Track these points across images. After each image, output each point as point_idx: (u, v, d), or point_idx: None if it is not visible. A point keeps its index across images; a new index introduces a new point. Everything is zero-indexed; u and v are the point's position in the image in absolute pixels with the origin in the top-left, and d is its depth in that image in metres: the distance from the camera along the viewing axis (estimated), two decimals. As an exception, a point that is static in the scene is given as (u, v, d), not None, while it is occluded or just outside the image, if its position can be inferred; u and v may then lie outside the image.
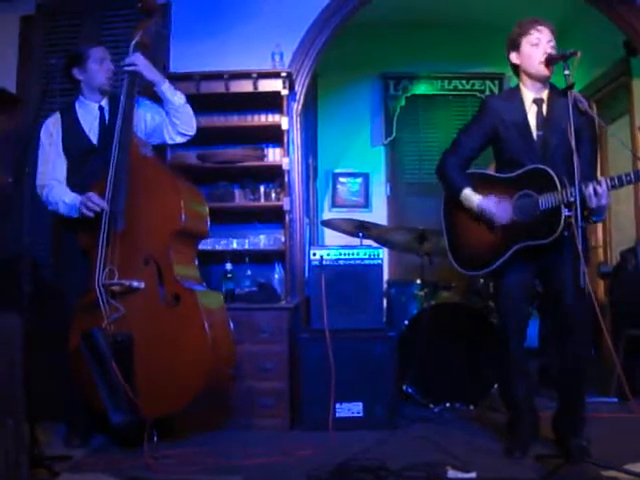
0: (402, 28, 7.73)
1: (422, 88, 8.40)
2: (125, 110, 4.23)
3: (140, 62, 4.28)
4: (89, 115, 4.39)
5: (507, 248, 3.87)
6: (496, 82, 8.30)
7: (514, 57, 3.99)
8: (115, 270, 4.02)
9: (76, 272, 4.23)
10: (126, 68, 4.27)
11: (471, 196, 4.02)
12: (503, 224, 3.90)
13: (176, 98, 4.40)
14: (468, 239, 4.12)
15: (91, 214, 4.06)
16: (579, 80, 3.71)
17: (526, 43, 3.90)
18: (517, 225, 3.86)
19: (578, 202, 3.45)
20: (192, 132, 4.54)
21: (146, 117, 4.47)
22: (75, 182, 4.27)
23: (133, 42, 4.35)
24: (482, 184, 4.03)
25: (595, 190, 3.55)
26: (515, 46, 3.97)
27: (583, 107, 3.75)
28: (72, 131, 4.33)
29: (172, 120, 4.43)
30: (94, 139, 4.35)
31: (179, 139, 4.50)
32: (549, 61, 3.78)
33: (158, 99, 4.46)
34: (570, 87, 3.58)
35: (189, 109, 4.49)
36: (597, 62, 6.65)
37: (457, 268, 4.17)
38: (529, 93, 3.96)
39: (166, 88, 4.38)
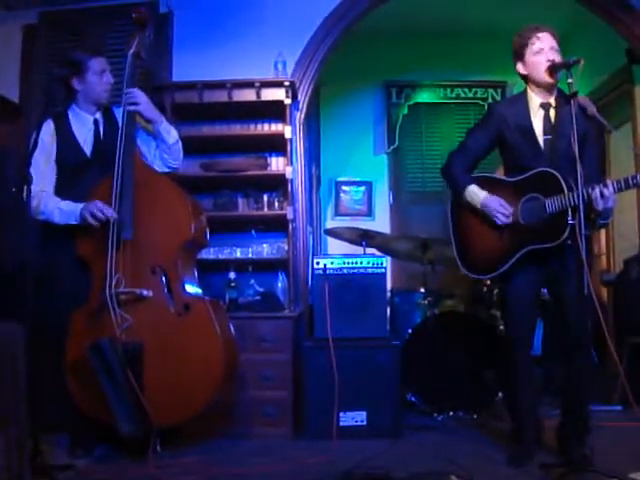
0: (404, 36, 7.73)
1: (425, 96, 8.39)
2: (127, 121, 4.22)
3: (142, 100, 4.27)
4: (83, 127, 4.34)
5: (514, 251, 3.86)
6: (499, 90, 8.28)
7: (520, 67, 3.99)
8: (122, 279, 4.02)
9: (71, 281, 4.18)
10: (128, 108, 4.24)
11: (477, 191, 4.02)
12: (504, 224, 3.91)
13: (170, 137, 4.41)
14: (475, 243, 4.11)
15: (95, 222, 4.02)
16: (581, 88, 3.70)
17: (529, 53, 3.90)
18: (524, 228, 3.85)
19: (581, 209, 3.45)
20: (178, 165, 4.58)
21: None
22: (66, 196, 4.19)
23: (130, 52, 4.34)
24: (489, 187, 4.02)
25: (602, 192, 3.55)
26: (519, 56, 3.97)
27: (591, 112, 3.75)
28: (66, 142, 4.27)
29: (162, 155, 4.45)
30: (88, 152, 4.30)
31: (165, 170, 4.50)
32: (552, 69, 3.78)
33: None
34: (573, 95, 3.58)
35: (180, 145, 4.52)
36: (599, 70, 6.66)
37: (465, 273, 4.16)
38: (536, 98, 3.95)
39: (163, 127, 4.38)
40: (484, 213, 3.99)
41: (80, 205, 4.10)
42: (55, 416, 4.09)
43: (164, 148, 4.42)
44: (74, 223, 4.12)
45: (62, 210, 4.13)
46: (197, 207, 4.36)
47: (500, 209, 3.90)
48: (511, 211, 3.89)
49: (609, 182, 3.59)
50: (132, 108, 4.25)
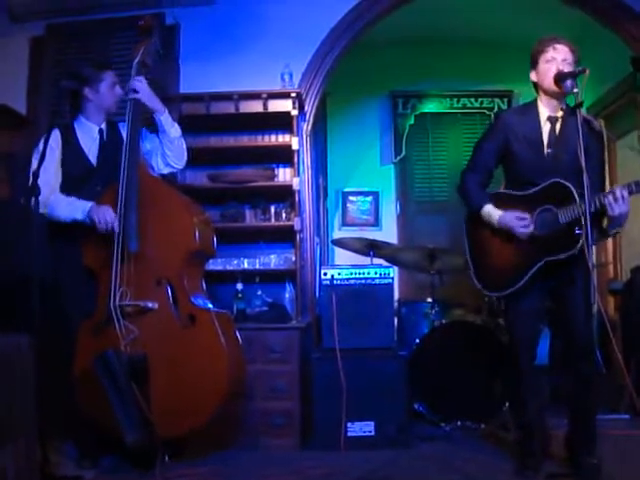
0: (411, 47, 7.74)
1: (431, 106, 8.40)
2: (131, 131, 4.23)
3: (143, 89, 4.29)
4: (89, 137, 4.36)
5: (531, 265, 3.83)
6: (505, 100, 8.29)
7: (533, 75, 3.99)
8: (128, 291, 4.03)
9: (79, 289, 4.19)
10: (129, 95, 4.28)
11: (492, 212, 4.00)
12: (524, 238, 3.89)
13: (173, 130, 4.43)
14: (492, 260, 4.07)
15: (100, 228, 4.04)
16: (587, 96, 3.71)
17: (542, 60, 3.90)
18: (539, 240, 3.82)
19: (589, 219, 3.44)
20: (181, 165, 4.59)
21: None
22: None
23: (135, 61, 4.37)
24: (502, 202, 4.01)
25: (615, 196, 3.55)
26: (533, 64, 3.97)
27: (593, 125, 3.76)
28: (72, 151, 4.28)
29: (164, 151, 4.45)
30: (93, 161, 4.32)
31: (166, 170, 4.53)
32: (558, 78, 3.78)
33: (153, 126, 4.48)
34: (579, 105, 3.59)
35: (183, 143, 4.53)
36: (605, 78, 6.67)
37: (483, 291, 4.13)
38: (545, 110, 3.95)
39: (165, 118, 4.39)
40: (501, 229, 3.97)
41: (90, 203, 4.11)
42: (62, 425, 4.11)
43: (167, 143, 4.42)
44: (80, 218, 4.10)
45: (70, 203, 4.13)
46: (203, 217, 4.37)
47: (519, 223, 3.88)
48: (529, 220, 3.88)
49: (619, 187, 3.59)
50: (133, 96, 4.27)
